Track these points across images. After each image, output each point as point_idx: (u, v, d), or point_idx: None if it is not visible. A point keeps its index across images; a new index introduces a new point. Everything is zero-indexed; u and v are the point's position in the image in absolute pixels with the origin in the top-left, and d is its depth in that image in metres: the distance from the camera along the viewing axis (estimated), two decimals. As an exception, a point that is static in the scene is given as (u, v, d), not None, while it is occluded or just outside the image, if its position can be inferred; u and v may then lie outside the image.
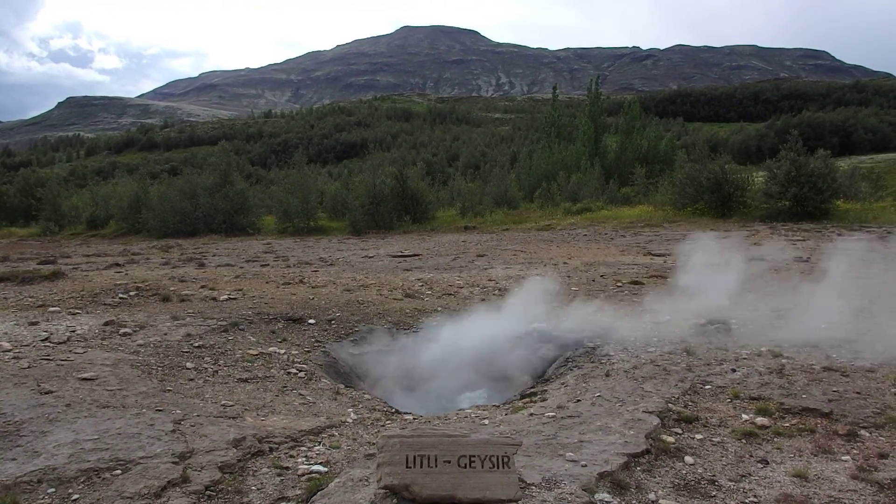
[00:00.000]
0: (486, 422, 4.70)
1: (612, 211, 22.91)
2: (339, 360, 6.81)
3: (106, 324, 6.90)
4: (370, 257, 14.55)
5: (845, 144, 59.18)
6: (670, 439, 4.01)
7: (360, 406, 5.47)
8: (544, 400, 5.26)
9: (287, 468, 3.83)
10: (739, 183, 20.17)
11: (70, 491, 3.37)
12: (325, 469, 3.80)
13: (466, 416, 5.02)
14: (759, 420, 4.27)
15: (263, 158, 74.51)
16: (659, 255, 12.49)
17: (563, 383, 5.64)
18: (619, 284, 9.00)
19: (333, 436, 4.49)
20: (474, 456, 3.07)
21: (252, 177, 48.90)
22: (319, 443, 4.32)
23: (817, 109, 74.54)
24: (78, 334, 6.49)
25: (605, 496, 3.30)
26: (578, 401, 4.87)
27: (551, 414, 4.56)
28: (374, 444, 4.13)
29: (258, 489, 3.53)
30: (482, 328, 7.53)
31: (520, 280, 10.22)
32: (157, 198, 25.21)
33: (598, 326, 6.87)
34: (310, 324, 7.50)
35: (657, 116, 76.03)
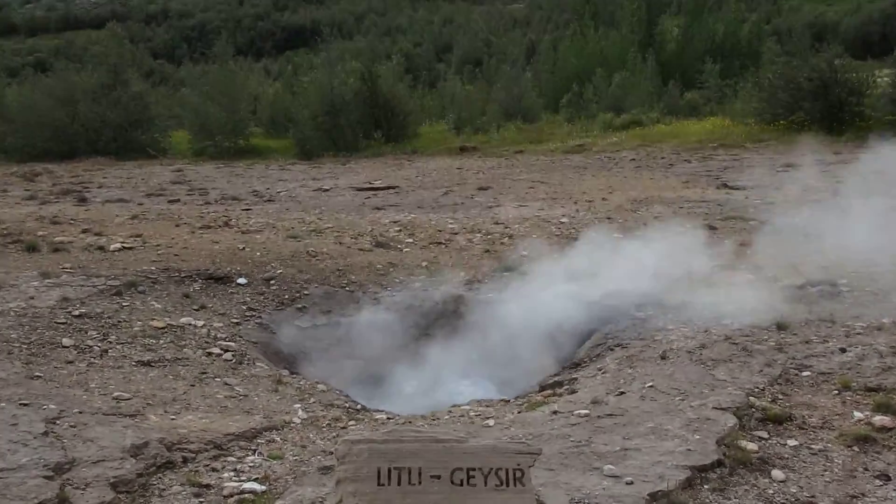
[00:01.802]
0: (492, 422, 4.71)
1: (672, 126, 22.68)
2: (281, 335, 6.80)
3: (-56, 284, 6.84)
4: (325, 191, 14.42)
5: None
6: (752, 446, 4.03)
7: (312, 400, 5.47)
8: (573, 392, 5.28)
9: (208, 486, 3.84)
10: (855, 86, 19.96)
11: None
12: (263, 488, 3.82)
13: (463, 415, 5.05)
14: (878, 420, 4.27)
15: (171, 49, 73.15)
16: (739, 189, 12.43)
17: (600, 369, 5.66)
18: (682, 230, 8.98)
19: (274, 441, 4.50)
20: (474, 469, 3.06)
21: (154, 75, 48.04)
22: (254, 451, 4.33)
23: (969, -19, 73.40)
24: None
25: (660, 525, 3.32)
26: (622, 393, 4.88)
27: (583, 411, 4.58)
28: (331, 452, 4.11)
29: (167, 516, 3.55)
30: (486, 291, 7.53)
31: (541, 223, 10.17)
32: (18, 105, 24.73)
33: (651, 289, 6.85)
34: (239, 284, 7.48)
35: (738, -10, 74.82)
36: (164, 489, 3.82)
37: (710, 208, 10.79)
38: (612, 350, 6.02)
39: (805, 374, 5.00)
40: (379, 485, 3.04)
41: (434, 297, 7.47)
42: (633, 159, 17.70)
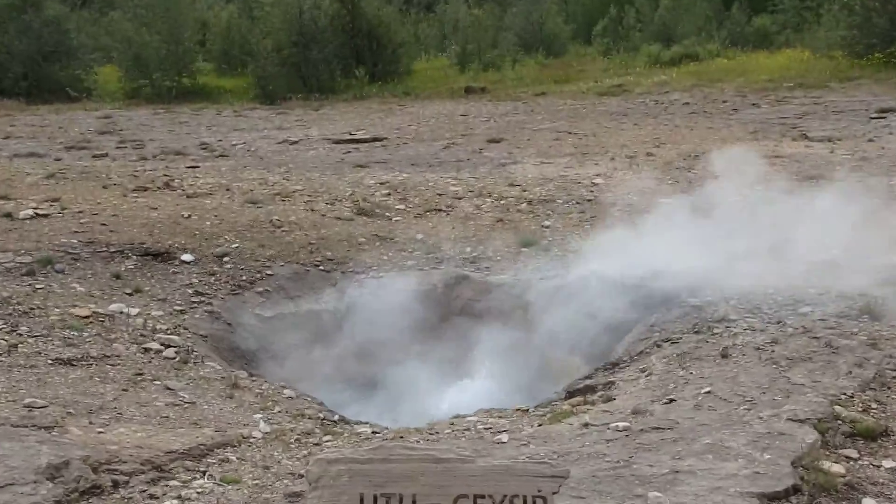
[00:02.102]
0: (505, 437, 4.69)
1: (736, 60, 22.57)
2: (237, 327, 6.79)
3: None
4: (294, 143, 14.41)
5: None
6: (837, 469, 4.00)
7: (277, 409, 5.47)
8: (609, 399, 5.26)
9: (145, 518, 3.82)
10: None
11: None
12: (215, 520, 3.79)
13: (469, 428, 5.03)
14: None
15: (95, -39, 72.73)
16: (822, 141, 12.37)
17: (643, 370, 5.64)
18: (748, 192, 8.94)
19: (228, 461, 4.48)
20: (483, 496, 3.07)
21: (75, -5, 47.84)
22: (203, 473, 4.31)
23: None
24: None
25: (719, 568, 3.32)
26: (671, 401, 4.86)
27: (622, 424, 4.55)
28: (301, 475, 4.08)
29: (93, 555, 3.54)
30: (498, 272, 7.51)
31: (568, 185, 10.15)
32: None
33: (710, 270, 6.82)
34: (184, 262, 7.47)
35: None
36: (89, 521, 3.80)
37: (786, 165, 10.72)
38: (658, 346, 5.98)
39: (905, 376, 4.97)
40: (362, 517, 3.04)
41: (432, 280, 7.45)
42: (687, 103, 17.63)
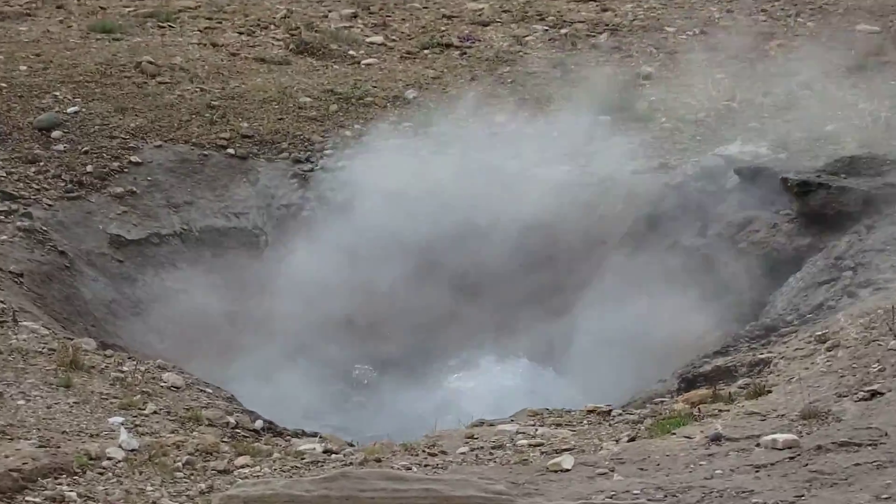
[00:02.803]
0: (569, 461, 4.71)
1: None
2: (77, 259, 6.85)
3: None
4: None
5: None
6: None
7: (151, 408, 5.51)
8: (760, 392, 5.30)
9: None
10: None
11: None
12: None
13: (502, 444, 5.14)
14: None
15: None
16: None
17: (822, 338, 5.66)
18: None
19: (63, 500, 4.48)
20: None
21: None
22: (17, 522, 4.35)
23: None
24: None
25: None
26: (874, 394, 4.88)
27: (783, 437, 4.55)
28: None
29: None
30: (551, 160, 7.51)
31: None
32: None
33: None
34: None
35: None
36: None
37: None
38: (851, 295, 6.00)
39: None
40: None
41: (434, 174, 7.45)
42: None
